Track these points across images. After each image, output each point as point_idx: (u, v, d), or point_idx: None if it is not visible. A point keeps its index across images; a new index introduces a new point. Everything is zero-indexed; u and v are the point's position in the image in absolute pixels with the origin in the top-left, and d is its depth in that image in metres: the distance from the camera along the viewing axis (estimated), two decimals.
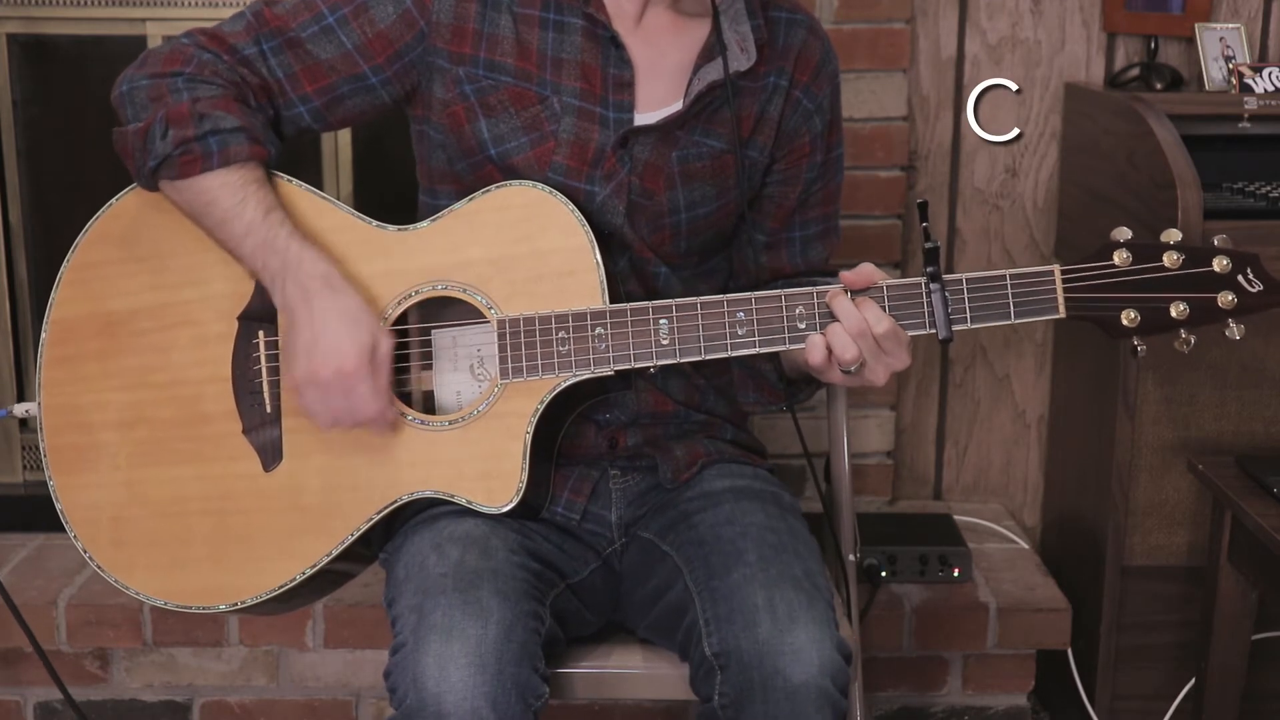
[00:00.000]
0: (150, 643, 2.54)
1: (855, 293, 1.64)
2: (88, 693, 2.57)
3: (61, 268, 1.83)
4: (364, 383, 1.68)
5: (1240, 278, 1.60)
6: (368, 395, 1.68)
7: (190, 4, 2.74)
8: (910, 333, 1.64)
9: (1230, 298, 1.60)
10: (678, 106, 1.79)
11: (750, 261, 1.91)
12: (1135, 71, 2.72)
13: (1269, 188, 2.39)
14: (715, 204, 1.83)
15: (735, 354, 1.67)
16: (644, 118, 1.79)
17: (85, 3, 2.76)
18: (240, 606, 1.76)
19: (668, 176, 1.80)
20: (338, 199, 1.78)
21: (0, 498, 2.88)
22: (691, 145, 1.80)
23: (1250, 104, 2.46)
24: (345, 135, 2.82)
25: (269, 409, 1.77)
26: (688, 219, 1.83)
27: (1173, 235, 1.61)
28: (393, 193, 2.77)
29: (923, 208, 1.68)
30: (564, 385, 1.70)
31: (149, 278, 1.80)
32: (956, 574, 2.62)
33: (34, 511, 2.77)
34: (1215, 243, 1.61)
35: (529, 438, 1.70)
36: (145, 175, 1.74)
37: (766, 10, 1.83)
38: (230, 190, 1.71)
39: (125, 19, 2.77)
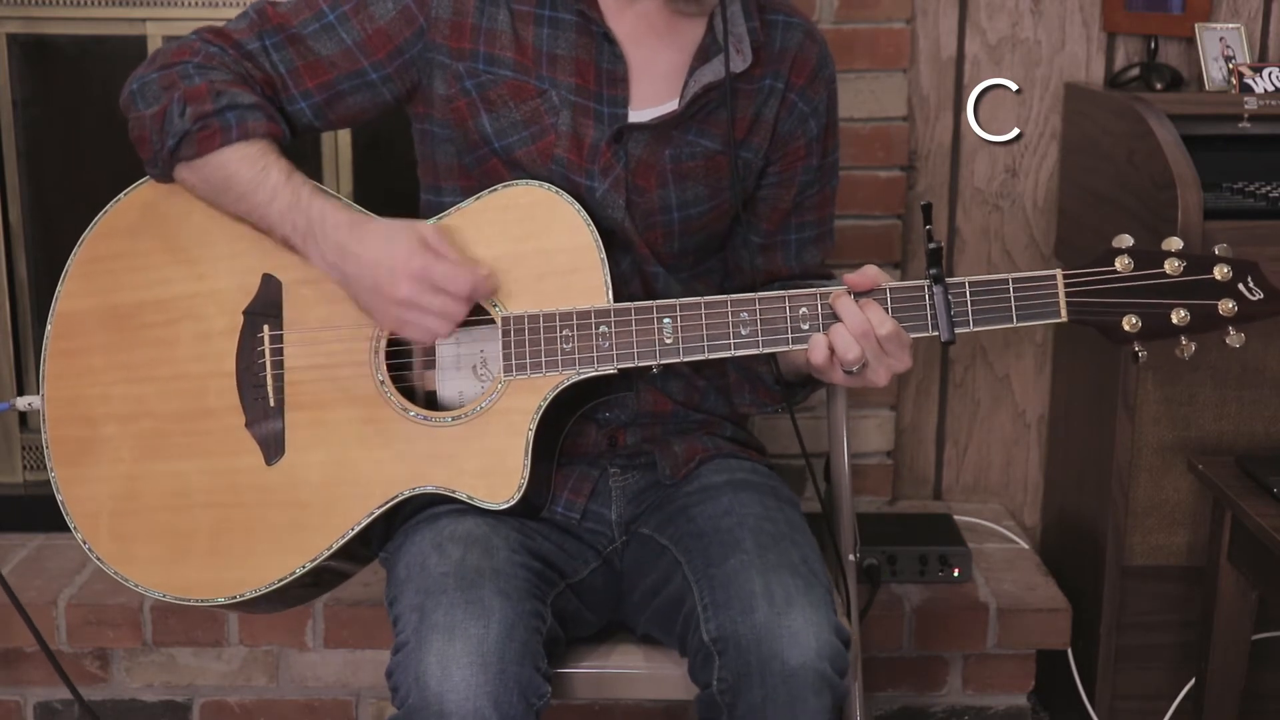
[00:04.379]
0: (150, 643, 2.54)
1: (858, 294, 1.64)
2: (88, 693, 2.57)
3: (68, 261, 1.83)
4: (437, 268, 1.67)
5: (1241, 285, 1.61)
6: (448, 277, 1.67)
7: (190, 4, 2.74)
8: (912, 334, 1.65)
9: (1231, 305, 1.61)
10: (672, 106, 1.79)
11: (746, 263, 1.91)
12: (1135, 71, 2.72)
13: (1269, 188, 2.39)
14: (708, 204, 1.84)
15: (738, 354, 1.68)
16: (639, 115, 1.79)
17: (85, 3, 2.76)
18: (239, 600, 1.76)
19: (660, 174, 1.80)
20: (340, 197, 1.79)
21: (0, 497, 2.88)
22: (685, 145, 1.80)
23: (1250, 104, 2.46)
24: (345, 135, 2.82)
25: (272, 403, 1.77)
26: (680, 218, 1.83)
27: (1174, 243, 1.62)
28: (393, 193, 2.77)
29: (926, 210, 1.68)
30: (567, 383, 1.70)
31: (155, 272, 1.81)
32: (956, 574, 2.62)
33: (34, 511, 2.77)
34: (1216, 250, 1.62)
35: (531, 434, 1.70)
36: (163, 158, 1.75)
37: (763, 13, 1.83)
38: (250, 162, 1.73)
39: (125, 19, 2.77)
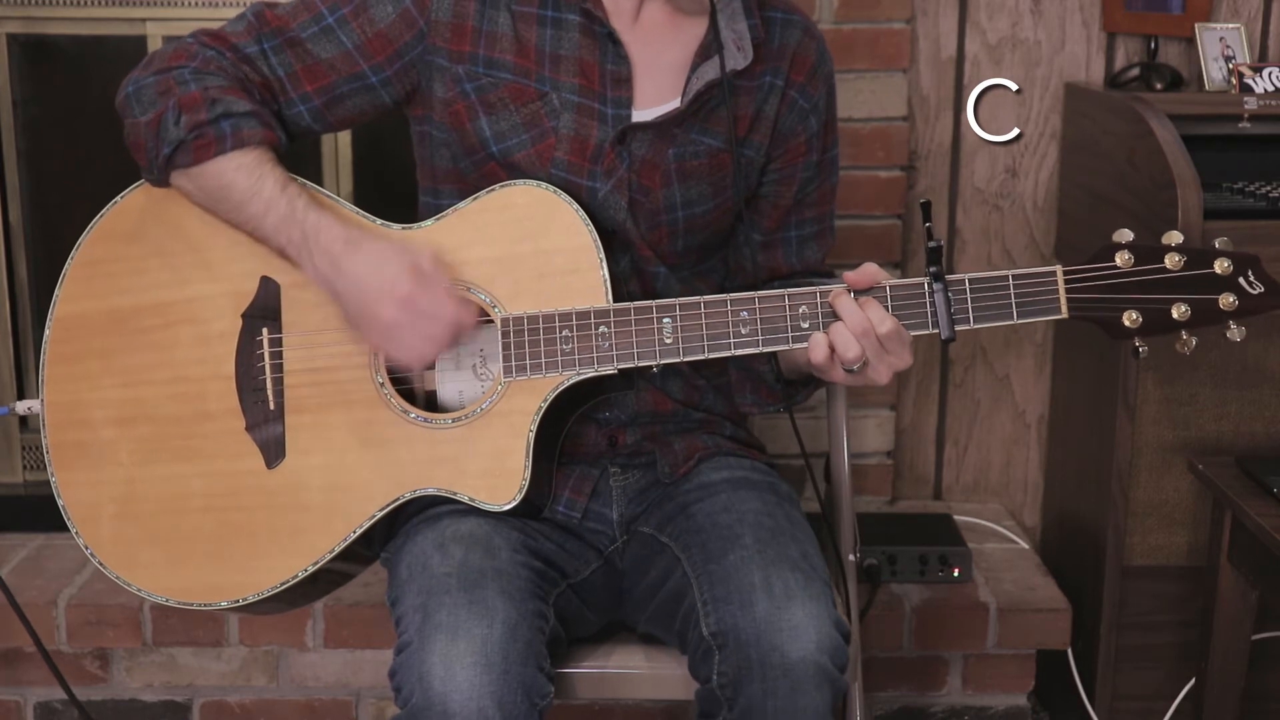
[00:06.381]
0: (150, 643, 2.54)
1: (858, 292, 1.64)
2: (88, 693, 2.57)
3: (66, 264, 1.83)
4: (424, 296, 1.67)
5: (1241, 280, 1.61)
6: (435, 305, 1.67)
7: (190, 4, 2.75)
8: (913, 332, 1.65)
9: (1231, 299, 1.61)
10: (675, 104, 1.79)
11: (747, 261, 1.91)
12: (1135, 71, 2.72)
13: (1269, 188, 2.39)
14: (712, 202, 1.84)
15: (738, 353, 1.67)
16: (642, 115, 1.79)
17: (85, 3, 2.76)
18: (241, 604, 1.76)
19: (664, 174, 1.80)
20: (338, 198, 1.79)
21: (0, 498, 2.88)
22: (689, 143, 1.80)
23: (1250, 104, 2.46)
24: (345, 136, 2.82)
25: (272, 406, 1.77)
26: (684, 217, 1.83)
27: (1174, 237, 1.62)
28: (393, 193, 2.77)
29: (926, 208, 1.69)
30: (567, 384, 1.70)
31: (153, 275, 1.80)
32: (956, 574, 2.62)
33: (34, 511, 2.77)
34: (1216, 245, 1.62)
35: (532, 436, 1.70)
36: (159, 165, 1.75)
37: (763, 10, 1.83)
38: (246, 171, 1.72)
39: (125, 19, 2.77)
